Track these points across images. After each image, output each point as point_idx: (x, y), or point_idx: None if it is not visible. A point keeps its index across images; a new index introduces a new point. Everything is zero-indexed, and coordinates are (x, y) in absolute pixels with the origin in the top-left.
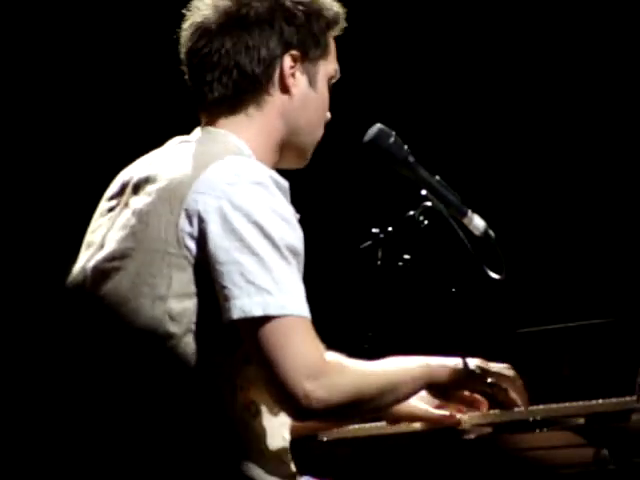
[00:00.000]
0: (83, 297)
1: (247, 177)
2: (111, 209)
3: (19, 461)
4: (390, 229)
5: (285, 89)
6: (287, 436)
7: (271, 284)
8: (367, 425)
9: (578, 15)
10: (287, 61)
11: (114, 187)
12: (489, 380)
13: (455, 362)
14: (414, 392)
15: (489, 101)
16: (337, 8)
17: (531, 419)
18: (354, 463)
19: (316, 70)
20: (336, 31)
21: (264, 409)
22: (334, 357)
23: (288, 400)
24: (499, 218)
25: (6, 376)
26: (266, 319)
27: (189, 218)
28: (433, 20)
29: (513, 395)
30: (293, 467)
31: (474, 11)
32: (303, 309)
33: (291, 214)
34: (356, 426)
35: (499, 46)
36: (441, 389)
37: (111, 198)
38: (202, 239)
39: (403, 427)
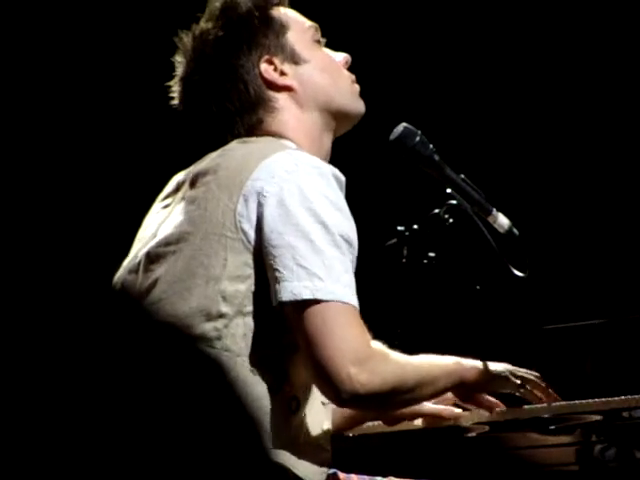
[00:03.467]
0: (135, 284)
1: (306, 166)
2: (166, 206)
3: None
4: (415, 227)
5: (280, 88)
6: (326, 426)
7: (322, 269)
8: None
9: (589, 15)
10: (265, 69)
11: (169, 187)
12: (518, 382)
13: (485, 364)
14: (448, 388)
15: (518, 103)
16: None
17: (545, 416)
18: (376, 458)
19: (291, 48)
20: (282, 4)
21: (306, 404)
22: (378, 346)
23: (331, 383)
24: (523, 216)
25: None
26: (315, 303)
27: (247, 203)
28: (460, 24)
29: (541, 397)
30: (328, 456)
31: (496, 14)
32: (352, 298)
33: (346, 205)
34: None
35: (525, 52)
36: (471, 388)
37: (166, 197)
38: (258, 223)
39: (413, 425)
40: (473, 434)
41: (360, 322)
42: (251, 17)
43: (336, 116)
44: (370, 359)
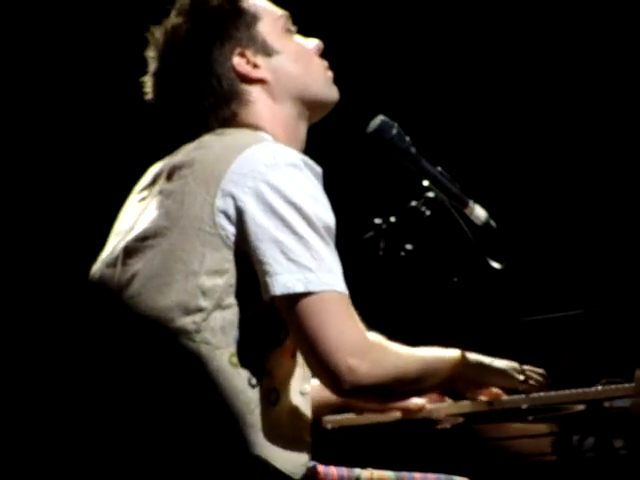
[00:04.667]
0: (113, 278)
1: (283, 159)
2: (142, 199)
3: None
4: (392, 219)
5: (253, 80)
6: (306, 418)
7: (311, 261)
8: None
9: (583, 12)
10: (237, 62)
11: (145, 179)
12: (521, 377)
13: (488, 359)
14: (450, 380)
15: (490, 93)
16: None
17: (524, 407)
18: (355, 450)
19: (262, 40)
20: None
21: (286, 396)
22: (374, 336)
23: (332, 376)
24: (500, 208)
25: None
26: (308, 295)
27: (225, 198)
28: (433, 12)
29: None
30: (308, 448)
31: (475, 4)
32: (343, 286)
33: (324, 197)
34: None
35: (497, 37)
36: (472, 381)
37: (142, 189)
38: (239, 218)
39: (390, 417)
40: (447, 426)
41: (353, 311)
42: (222, 10)
43: (311, 105)
44: (369, 350)
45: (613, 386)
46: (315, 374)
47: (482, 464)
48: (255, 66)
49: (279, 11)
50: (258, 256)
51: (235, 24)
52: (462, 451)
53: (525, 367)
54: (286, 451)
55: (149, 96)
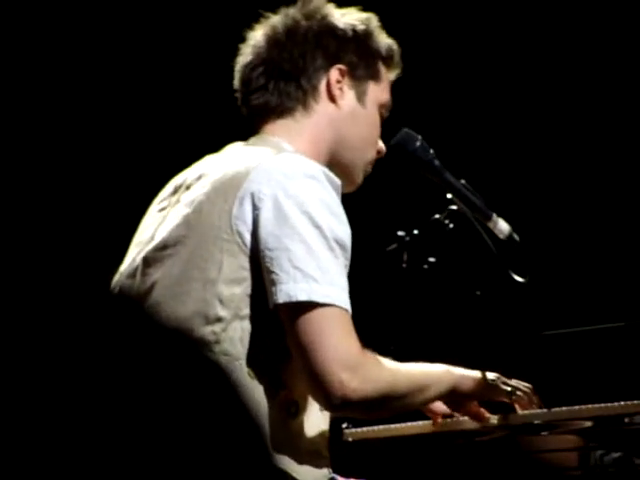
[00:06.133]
0: (132, 288)
1: (302, 170)
2: (162, 209)
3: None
4: (416, 232)
5: (332, 99)
6: (325, 432)
7: (318, 272)
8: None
9: (590, 15)
10: (334, 74)
11: (166, 190)
12: (509, 389)
13: (475, 373)
14: (439, 396)
15: (517, 109)
16: (391, 43)
17: (535, 422)
18: (375, 463)
19: (364, 89)
20: (391, 68)
21: (305, 409)
22: (369, 353)
23: (322, 388)
24: (524, 222)
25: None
26: (310, 305)
27: (243, 205)
28: (460, 30)
29: (530, 404)
30: (327, 462)
31: (496, 16)
32: (346, 302)
33: (341, 210)
34: (381, 427)
35: (525, 57)
36: (462, 396)
37: (162, 200)
38: (254, 226)
39: (418, 428)
40: (480, 439)
41: (352, 328)
42: (367, 40)
43: (333, 164)
44: (362, 366)
45: (636, 401)
46: (306, 385)
47: (505, 477)
48: (341, 90)
49: (389, 98)
50: (266, 264)
51: (359, 55)
52: (483, 465)
53: (511, 380)
54: (306, 463)
55: (235, 80)
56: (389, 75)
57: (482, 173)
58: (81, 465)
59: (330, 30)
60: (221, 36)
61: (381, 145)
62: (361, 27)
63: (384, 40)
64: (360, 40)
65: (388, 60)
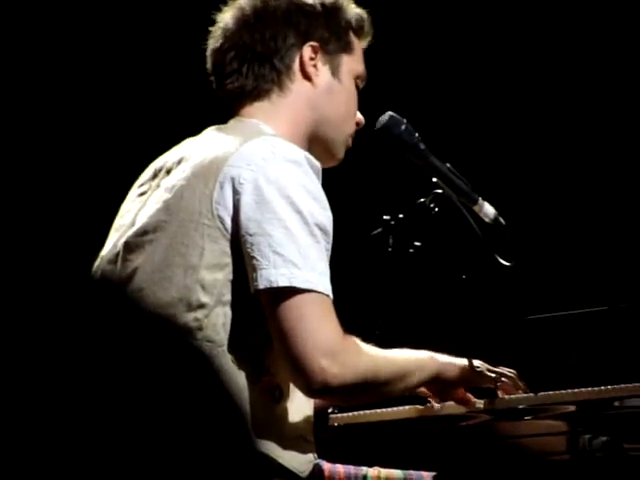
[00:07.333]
0: (114, 274)
1: (282, 154)
2: (142, 194)
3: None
4: (401, 216)
5: (307, 77)
6: (309, 417)
7: (298, 257)
8: (370, 411)
9: (589, 13)
10: (307, 51)
11: (145, 174)
12: (493, 376)
13: (460, 360)
14: (422, 383)
15: (500, 90)
16: (361, 12)
17: (520, 407)
18: (361, 448)
19: (338, 62)
20: (362, 37)
21: (289, 394)
22: (352, 338)
23: (303, 374)
24: (509, 205)
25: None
26: (290, 291)
27: (223, 190)
28: (445, 9)
29: (516, 390)
30: (312, 447)
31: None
32: (327, 287)
33: (322, 194)
34: (367, 412)
35: (507, 35)
36: (446, 383)
37: (142, 184)
38: (235, 211)
39: (404, 413)
40: (464, 423)
41: (333, 314)
42: (337, 13)
43: (313, 140)
44: (342, 352)
45: (623, 385)
46: (287, 371)
47: (492, 462)
48: (315, 67)
49: (364, 68)
50: (247, 249)
51: (331, 28)
52: (470, 449)
53: (496, 367)
54: (291, 448)
55: (208, 64)
56: (361, 45)
57: (467, 157)
58: (60, 446)
59: (299, 7)
60: (195, 17)
61: (360, 117)
62: (329, 0)
63: (353, 10)
64: (329, 14)
65: (359, 30)
